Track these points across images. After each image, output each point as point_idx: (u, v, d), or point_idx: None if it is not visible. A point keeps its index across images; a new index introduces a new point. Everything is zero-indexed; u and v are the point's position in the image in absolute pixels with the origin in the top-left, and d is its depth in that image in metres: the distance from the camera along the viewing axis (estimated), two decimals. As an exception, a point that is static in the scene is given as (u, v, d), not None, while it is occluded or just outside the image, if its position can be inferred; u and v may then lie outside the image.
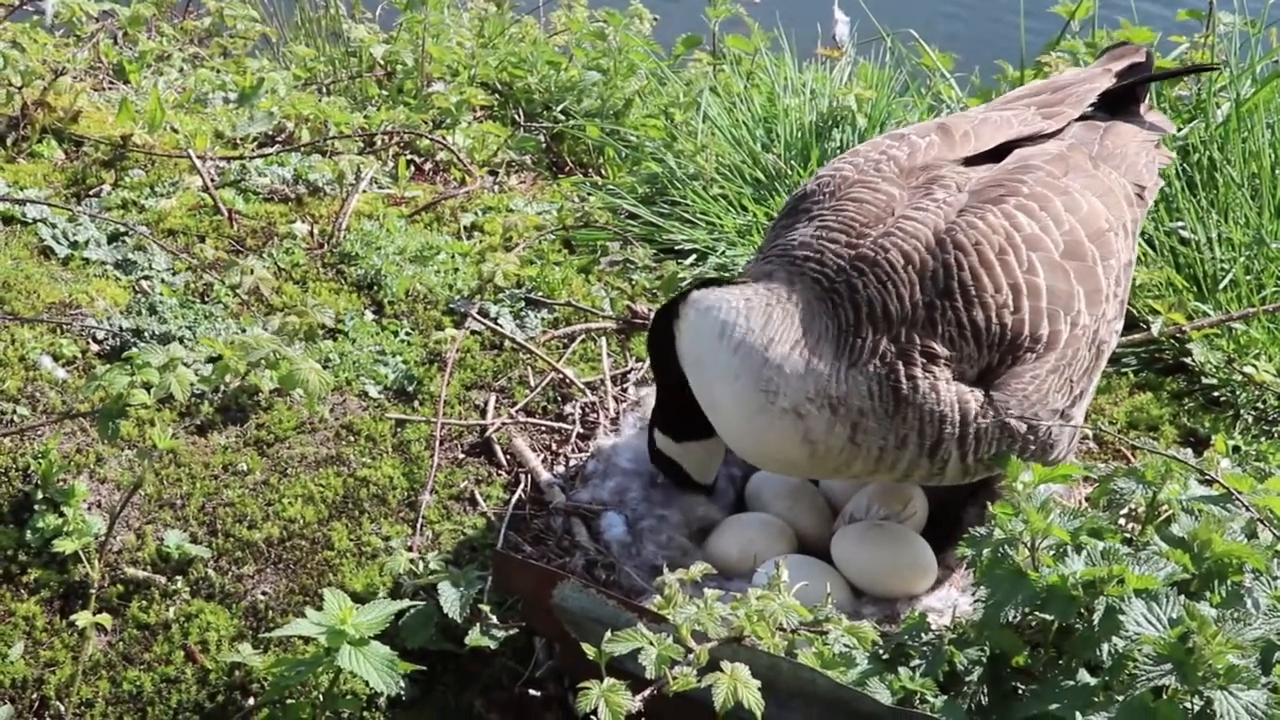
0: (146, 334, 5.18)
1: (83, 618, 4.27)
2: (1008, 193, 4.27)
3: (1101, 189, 4.43)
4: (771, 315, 4.15)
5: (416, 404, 5.13)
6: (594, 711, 3.35)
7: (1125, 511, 4.05)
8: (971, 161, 4.47)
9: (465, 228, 6.08)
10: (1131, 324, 5.61)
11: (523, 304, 5.59)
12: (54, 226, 5.69)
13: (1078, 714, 3.34)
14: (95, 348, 5.18)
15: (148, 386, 4.40)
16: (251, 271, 5.39)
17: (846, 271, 4.18)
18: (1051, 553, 3.54)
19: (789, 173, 6.27)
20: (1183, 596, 3.39)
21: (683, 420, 4.48)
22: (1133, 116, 4.84)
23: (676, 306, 4.29)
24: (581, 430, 5.06)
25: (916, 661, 3.62)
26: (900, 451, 4.18)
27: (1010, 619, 3.49)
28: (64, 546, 4.44)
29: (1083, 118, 4.72)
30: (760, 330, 4.14)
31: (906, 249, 4.17)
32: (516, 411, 5.12)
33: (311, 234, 5.87)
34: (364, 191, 6.14)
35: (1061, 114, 4.67)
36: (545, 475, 4.85)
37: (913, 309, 4.11)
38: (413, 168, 6.62)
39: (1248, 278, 5.72)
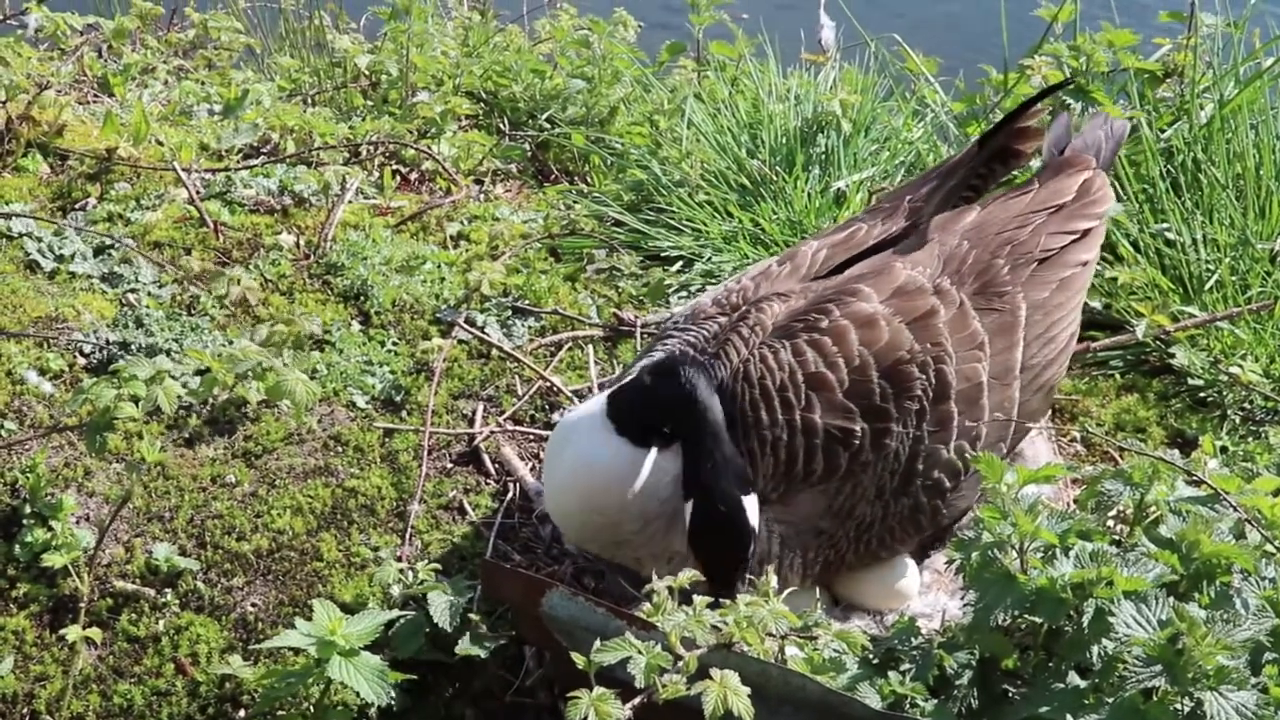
0: (133, 347, 5.17)
1: (73, 632, 4.27)
2: (806, 327, 4.28)
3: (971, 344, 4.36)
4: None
5: (404, 414, 5.13)
6: (584, 720, 3.35)
7: (1113, 513, 4.06)
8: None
9: (451, 237, 6.08)
10: (1116, 326, 5.62)
11: (509, 312, 5.58)
12: (40, 240, 5.68)
13: (1068, 716, 3.35)
14: (82, 361, 5.17)
15: (135, 399, 4.40)
16: (238, 283, 5.39)
17: None
18: (1040, 555, 3.55)
19: (774, 178, 6.27)
20: (1171, 598, 3.40)
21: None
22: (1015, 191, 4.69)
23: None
24: (570, 438, 5.06)
25: (906, 666, 3.62)
26: (666, 565, 4.25)
27: (1000, 622, 3.50)
28: (53, 561, 4.43)
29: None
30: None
31: (720, 375, 4.25)
32: (504, 420, 5.12)
33: (297, 245, 5.87)
34: (350, 202, 6.13)
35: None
36: (533, 483, 4.85)
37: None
38: (398, 178, 6.61)
39: (1233, 278, 5.73)
